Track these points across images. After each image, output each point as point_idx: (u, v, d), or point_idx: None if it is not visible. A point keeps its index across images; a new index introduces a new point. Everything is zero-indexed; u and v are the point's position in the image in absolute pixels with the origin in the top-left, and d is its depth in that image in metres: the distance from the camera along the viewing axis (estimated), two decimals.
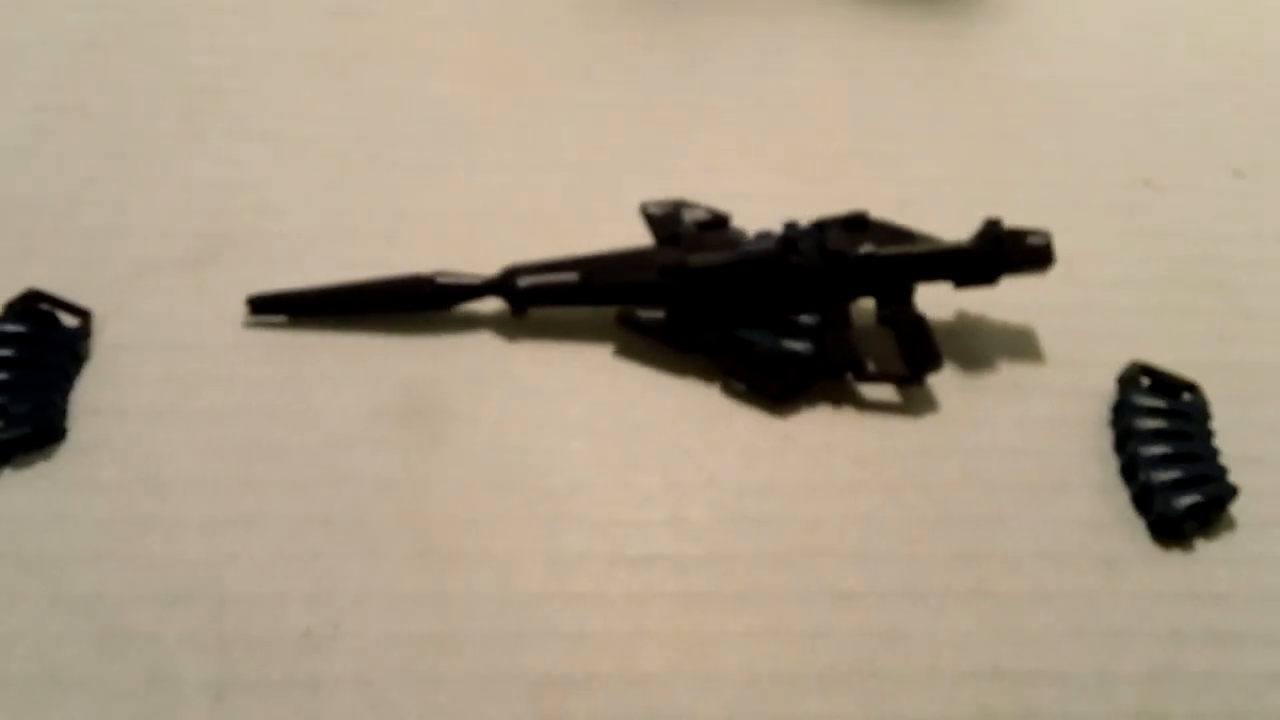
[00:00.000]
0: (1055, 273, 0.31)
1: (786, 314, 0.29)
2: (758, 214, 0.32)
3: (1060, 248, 0.31)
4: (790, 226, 0.30)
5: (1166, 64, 0.41)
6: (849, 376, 0.30)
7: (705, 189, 0.33)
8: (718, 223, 0.31)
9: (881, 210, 0.33)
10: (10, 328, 0.28)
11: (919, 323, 0.30)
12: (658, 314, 0.30)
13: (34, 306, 0.29)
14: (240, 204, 0.33)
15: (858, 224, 0.30)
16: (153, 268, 0.31)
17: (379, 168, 0.35)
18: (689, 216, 0.31)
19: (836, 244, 0.29)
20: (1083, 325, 0.32)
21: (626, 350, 0.31)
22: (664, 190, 0.33)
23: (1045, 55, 0.41)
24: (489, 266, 0.31)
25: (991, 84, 0.39)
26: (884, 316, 0.30)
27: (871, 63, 0.39)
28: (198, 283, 0.31)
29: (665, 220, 0.31)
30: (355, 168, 0.34)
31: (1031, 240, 0.30)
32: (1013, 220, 0.31)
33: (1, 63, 0.36)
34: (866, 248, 0.30)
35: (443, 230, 0.33)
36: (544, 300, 0.30)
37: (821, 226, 0.30)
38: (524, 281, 0.30)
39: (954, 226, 0.33)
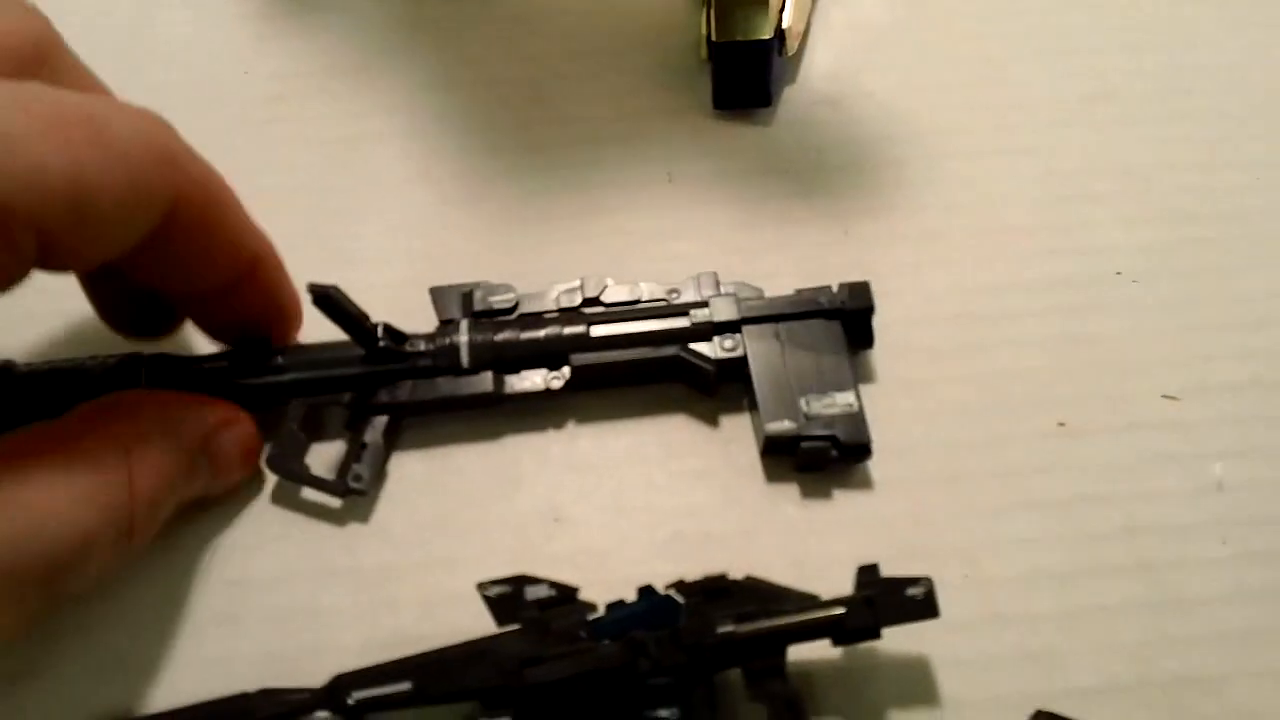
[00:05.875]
0: None
1: (644, 710, 0.27)
2: (628, 544, 0.29)
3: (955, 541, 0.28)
4: (644, 595, 0.27)
5: None
6: None
7: (563, 506, 0.31)
8: (562, 599, 0.28)
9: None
10: None
11: (794, 704, 0.27)
12: (505, 719, 0.27)
13: None
14: None
15: (716, 590, 0.27)
16: None
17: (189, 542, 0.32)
18: (530, 594, 0.28)
19: (692, 634, 0.26)
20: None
21: None
22: (513, 515, 0.31)
23: (949, 254, 0.37)
24: (313, 652, 0.29)
25: (887, 297, 0.35)
26: (755, 694, 0.27)
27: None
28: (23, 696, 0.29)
29: (505, 601, 0.28)
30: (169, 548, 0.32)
31: (912, 592, 0.27)
32: (904, 499, 0.30)
33: None
34: (726, 627, 0.27)
35: (260, 618, 0.30)
36: (379, 709, 0.27)
37: (672, 604, 0.27)
38: (356, 695, 0.27)
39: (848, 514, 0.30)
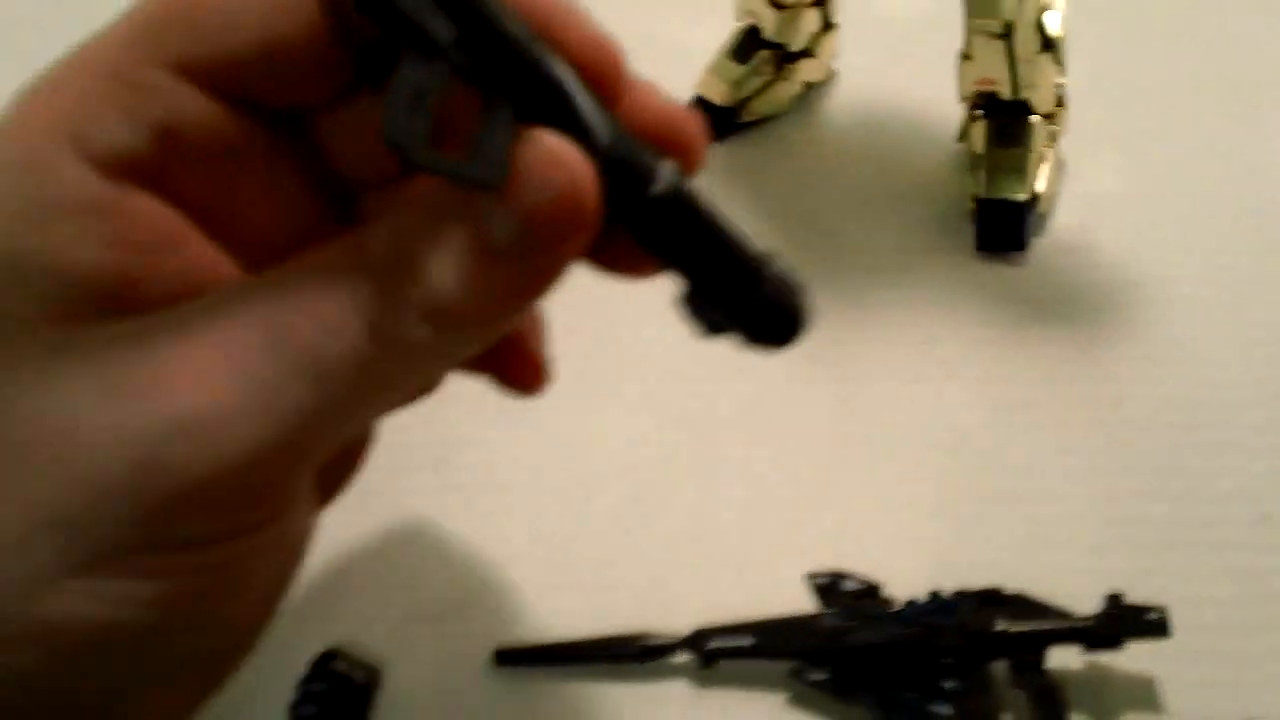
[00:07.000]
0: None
1: (933, 681, 0.35)
2: (904, 562, 0.39)
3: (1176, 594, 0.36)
4: (934, 597, 0.36)
5: None
6: None
7: (859, 532, 0.40)
8: (870, 592, 0.37)
9: (1014, 551, 0.40)
10: (316, 686, 0.37)
11: (1052, 691, 0.35)
12: (823, 674, 0.36)
13: (332, 665, 0.38)
14: (484, 560, 0.42)
15: (992, 599, 0.36)
16: (415, 619, 0.40)
17: (593, 520, 0.42)
18: (845, 586, 0.37)
19: (975, 624, 0.35)
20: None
21: (799, 699, 0.37)
22: (821, 534, 0.41)
23: (1169, 375, 0.45)
24: (680, 608, 0.38)
25: (1117, 408, 0.44)
26: (1018, 681, 0.35)
27: (1004, 390, 0.44)
28: (452, 633, 0.39)
29: (827, 589, 0.37)
30: (575, 520, 0.42)
31: (1150, 616, 0.35)
32: (1130, 560, 0.38)
33: None
34: (1001, 624, 0.35)
35: (642, 579, 0.40)
36: (727, 657, 0.37)
37: (958, 603, 0.36)
38: (711, 644, 0.37)
39: (1083, 565, 0.39)
